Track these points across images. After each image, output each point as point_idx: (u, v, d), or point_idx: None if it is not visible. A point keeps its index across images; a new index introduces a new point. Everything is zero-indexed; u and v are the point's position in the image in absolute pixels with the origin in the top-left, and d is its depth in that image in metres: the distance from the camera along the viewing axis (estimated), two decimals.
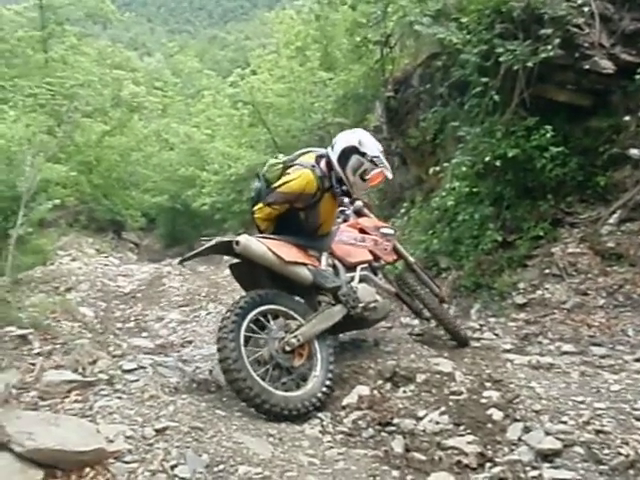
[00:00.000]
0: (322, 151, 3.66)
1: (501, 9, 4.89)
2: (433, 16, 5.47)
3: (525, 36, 4.75)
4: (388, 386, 3.27)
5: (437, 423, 2.84)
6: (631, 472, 2.29)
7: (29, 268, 7.33)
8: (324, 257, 3.62)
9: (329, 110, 9.92)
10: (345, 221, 4.07)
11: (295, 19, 12.15)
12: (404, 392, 3.18)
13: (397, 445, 2.71)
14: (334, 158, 3.51)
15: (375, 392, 3.20)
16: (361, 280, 3.75)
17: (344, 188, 3.56)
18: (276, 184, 3.48)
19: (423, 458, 2.60)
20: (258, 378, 2.96)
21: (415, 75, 6.85)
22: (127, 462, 2.17)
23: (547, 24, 4.67)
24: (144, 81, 19.01)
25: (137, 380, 3.08)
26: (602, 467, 2.34)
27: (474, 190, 5.23)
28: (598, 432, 2.54)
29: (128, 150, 16.21)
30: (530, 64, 4.64)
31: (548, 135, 4.72)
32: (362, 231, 3.98)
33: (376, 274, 3.99)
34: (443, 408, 2.95)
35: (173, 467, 2.18)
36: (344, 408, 3.11)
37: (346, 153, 3.49)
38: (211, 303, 6.53)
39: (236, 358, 2.91)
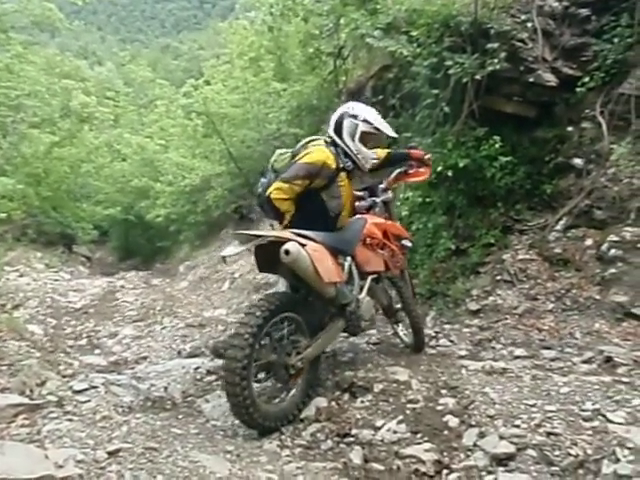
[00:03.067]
0: (324, 137, 3.63)
1: (449, 23, 5.02)
2: (384, 29, 5.57)
3: (473, 49, 4.90)
4: (346, 397, 3.27)
5: (395, 432, 2.85)
6: (580, 472, 2.35)
7: None
8: (347, 264, 3.48)
9: (283, 121, 9.93)
10: (371, 208, 3.89)
11: (248, 30, 12.11)
12: (362, 402, 3.18)
13: (355, 456, 2.71)
14: (331, 131, 3.54)
15: (333, 403, 3.20)
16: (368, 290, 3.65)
17: (349, 163, 3.51)
18: (295, 160, 3.38)
19: (381, 468, 2.61)
20: (254, 390, 2.90)
21: (368, 86, 6.96)
22: None
23: (493, 38, 4.83)
24: (95, 91, 18.52)
25: (88, 401, 2.99)
26: (553, 468, 2.40)
27: (427, 200, 5.33)
28: (549, 434, 2.61)
29: (78, 161, 15.75)
30: (478, 77, 4.79)
31: (497, 145, 4.87)
32: (385, 235, 3.81)
33: (378, 282, 3.88)
34: (400, 417, 2.97)
35: None
36: (302, 421, 3.10)
37: (338, 120, 3.53)
38: (166, 317, 6.41)
39: (245, 366, 2.80)
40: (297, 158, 3.38)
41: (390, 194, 3.99)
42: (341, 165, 3.47)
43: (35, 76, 14.51)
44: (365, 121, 3.50)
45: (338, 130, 3.52)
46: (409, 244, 4.04)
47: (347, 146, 3.50)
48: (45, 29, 18.08)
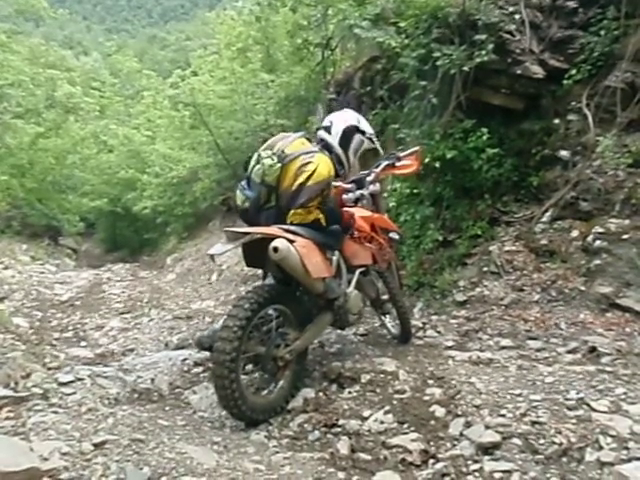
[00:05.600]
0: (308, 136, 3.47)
1: (437, 15, 5.01)
2: (372, 20, 5.56)
3: (461, 41, 4.90)
4: (333, 387, 3.28)
5: (382, 422, 2.86)
6: (564, 459, 2.37)
7: None
8: (335, 258, 3.44)
9: (271, 112, 9.88)
10: (358, 200, 3.81)
11: (236, 20, 12.01)
12: (349, 393, 3.19)
13: (343, 446, 2.72)
14: (334, 141, 3.40)
15: (320, 394, 3.21)
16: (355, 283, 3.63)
17: (342, 171, 3.45)
18: (300, 181, 3.12)
19: (368, 458, 2.62)
20: (242, 382, 2.90)
21: (356, 77, 6.94)
22: None
23: (481, 30, 4.84)
24: (80, 81, 18.33)
25: (74, 393, 2.96)
26: (538, 456, 2.42)
27: (415, 191, 5.35)
28: (534, 423, 2.63)
29: (64, 152, 15.60)
30: (466, 68, 4.79)
31: (484, 137, 4.89)
32: (372, 228, 3.77)
33: (366, 275, 3.85)
34: (387, 407, 2.98)
35: None
36: (290, 412, 3.10)
37: (347, 134, 3.42)
38: (153, 309, 6.38)
39: (233, 359, 2.78)
40: (304, 179, 3.11)
41: (377, 186, 3.94)
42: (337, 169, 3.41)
43: (19, 65, 14.34)
44: (370, 139, 3.46)
45: (345, 144, 3.40)
46: (397, 237, 4.04)
47: (347, 160, 3.42)
48: (29, 18, 17.87)
